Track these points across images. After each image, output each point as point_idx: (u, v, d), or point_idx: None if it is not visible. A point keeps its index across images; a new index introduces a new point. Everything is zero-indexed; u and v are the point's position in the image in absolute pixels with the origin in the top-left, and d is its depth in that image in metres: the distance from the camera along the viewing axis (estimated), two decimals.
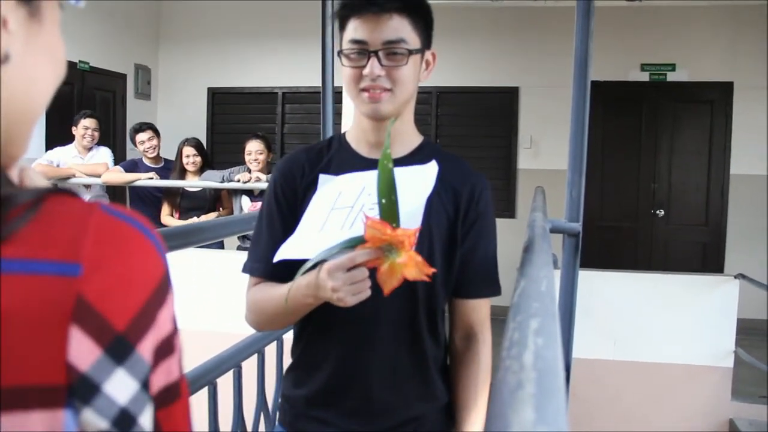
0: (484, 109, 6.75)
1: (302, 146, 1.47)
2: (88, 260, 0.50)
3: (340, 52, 1.28)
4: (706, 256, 6.57)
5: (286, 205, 1.34)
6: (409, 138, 1.36)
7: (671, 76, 6.50)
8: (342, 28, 1.29)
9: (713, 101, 6.50)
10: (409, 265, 1.07)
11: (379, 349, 1.31)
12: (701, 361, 4.27)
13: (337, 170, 1.32)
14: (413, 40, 1.26)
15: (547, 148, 6.60)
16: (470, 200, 1.33)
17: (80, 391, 0.49)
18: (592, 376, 4.25)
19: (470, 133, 6.75)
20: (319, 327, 1.34)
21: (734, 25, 6.30)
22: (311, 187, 1.32)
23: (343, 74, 1.29)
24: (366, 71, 1.24)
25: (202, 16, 7.15)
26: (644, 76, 6.55)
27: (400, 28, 1.24)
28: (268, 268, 1.29)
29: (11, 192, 0.52)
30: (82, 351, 0.48)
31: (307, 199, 1.31)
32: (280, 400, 1.50)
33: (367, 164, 1.29)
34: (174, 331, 0.55)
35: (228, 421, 2.08)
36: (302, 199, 1.32)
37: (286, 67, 6.96)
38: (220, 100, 7.30)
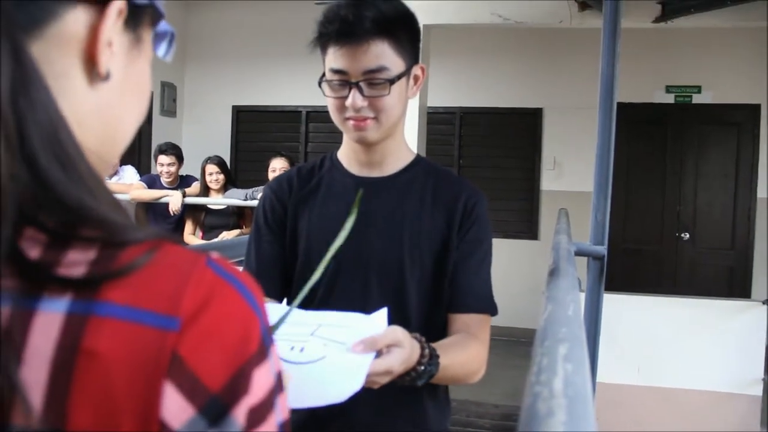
0: (508, 130, 6.73)
1: (297, 165, 1.47)
2: (186, 316, 0.48)
3: (321, 81, 1.25)
4: (732, 281, 6.47)
5: (273, 220, 1.34)
6: (401, 155, 1.35)
7: (696, 98, 6.45)
8: (322, 51, 1.25)
9: (740, 123, 6.43)
10: None
11: None
12: (728, 388, 4.18)
13: (328, 188, 1.33)
14: (396, 64, 1.22)
15: (571, 170, 6.56)
16: (464, 212, 1.30)
17: None
18: (616, 402, 4.18)
19: (494, 154, 6.73)
20: None
21: (760, 47, 6.23)
22: (301, 204, 1.32)
23: (327, 102, 1.26)
24: (348, 102, 1.20)
25: (228, 34, 7.24)
26: (669, 98, 6.50)
27: (380, 55, 1.19)
28: None
29: (132, 226, 0.50)
30: (175, 409, 0.47)
31: (297, 215, 1.31)
32: None
33: (357, 182, 1.30)
34: (268, 401, 0.51)
35: None
36: (293, 214, 1.32)
37: (310, 86, 6.91)
38: (244, 119, 7.37)
